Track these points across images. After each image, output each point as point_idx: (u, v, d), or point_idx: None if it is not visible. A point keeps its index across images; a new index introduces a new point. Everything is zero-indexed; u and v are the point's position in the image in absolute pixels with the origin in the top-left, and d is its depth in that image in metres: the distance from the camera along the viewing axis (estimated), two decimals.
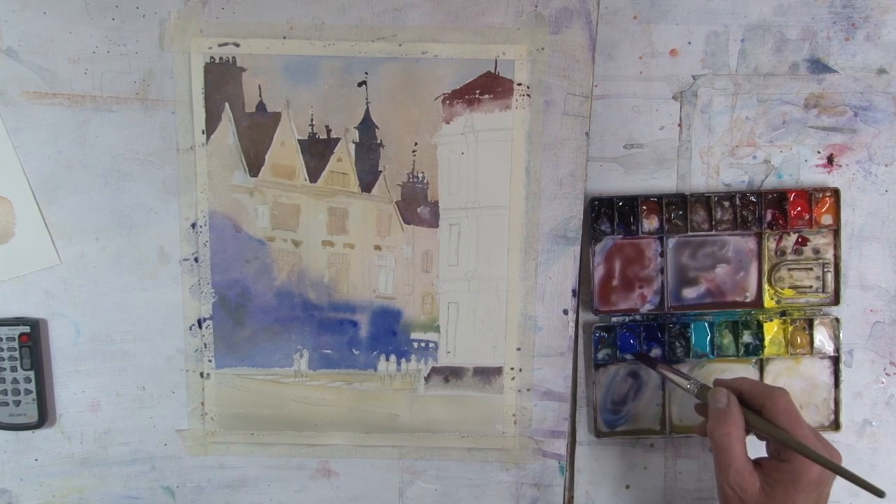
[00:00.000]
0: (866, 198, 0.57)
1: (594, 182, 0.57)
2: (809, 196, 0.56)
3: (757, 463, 0.49)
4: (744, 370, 0.58)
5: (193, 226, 0.56)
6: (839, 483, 0.59)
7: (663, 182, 0.57)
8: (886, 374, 0.59)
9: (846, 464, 0.59)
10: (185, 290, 0.57)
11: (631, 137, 0.56)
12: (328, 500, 0.60)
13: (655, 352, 0.58)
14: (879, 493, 0.47)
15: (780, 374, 0.58)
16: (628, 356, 0.58)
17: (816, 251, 0.57)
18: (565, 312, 0.58)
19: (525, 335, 0.58)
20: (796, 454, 0.47)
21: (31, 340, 0.56)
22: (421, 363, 0.58)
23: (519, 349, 0.58)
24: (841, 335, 0.57)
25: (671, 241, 0.57)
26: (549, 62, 0.55)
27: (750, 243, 0.57)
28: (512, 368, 0.58)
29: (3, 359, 0.56)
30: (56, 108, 0.55)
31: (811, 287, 0.57)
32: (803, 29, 0.55)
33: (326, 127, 0.56)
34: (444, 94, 0.55)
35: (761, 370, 0.58)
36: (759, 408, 0.49)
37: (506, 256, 0.57)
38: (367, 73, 0.55)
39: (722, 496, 0.49)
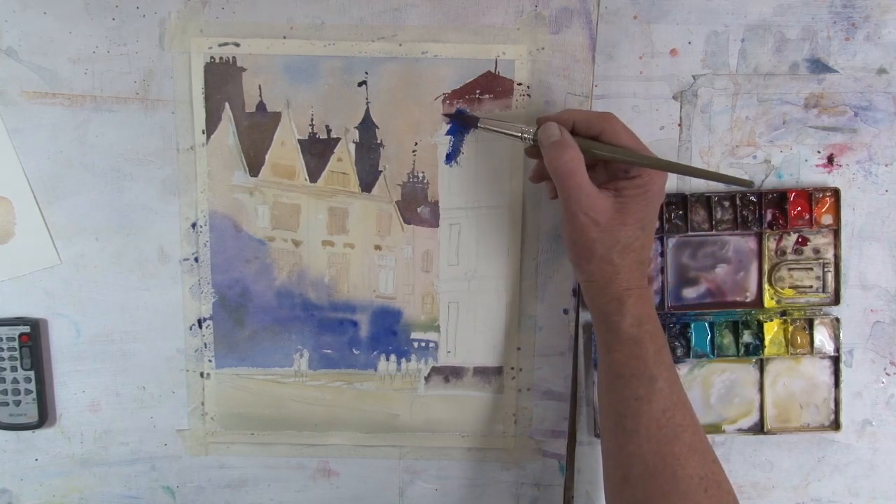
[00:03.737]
0: (866, 198, 0.57)
1: None
2: (809, 196, 0.56)
3: (601, 187, 0.48)
4: (744, 370, 0.58)
5: (193, 226, 0.56)
6: (839, 483, 0.59)
7: None
8: (886, 374, 0.59)
9: (846, 464, 0.59)
10: (185, 290, 0.57)
11: None
12: (328, 500, 0.60)
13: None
14: (748, 184, 0.50)
15: (780, 373, 0.58)
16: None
17: (816, 251, 0.57)
18: (565, 312, 0.58)
19: (525, 335, 0.58)
20: (643, 168, 0.48)
21: (31, 340, 0.56)
22: (421, 363, 0.58)
23: (519, 349, 0.58)
24: (841, 335, 0.57)
25: (671, 241, 0.57)
26: (549, 62, 0.55)
27: (750, 243, 0.57)
28: (512, 368, 0.58)
29: (3, 359, 0.56)
30: (56, 108, 0.55)
31: (811, 287, 0.57)
32: (803, 29, 0.55)
33: (326, 127, 0.56)
34: (444, 93, 0.55)
35: (761, 370, 0.58)
36: (596, 134, 0.48)
37: (506, 256, 0.57)
38: (367, 73, 0.55)
39: (573, 229, 0.48)
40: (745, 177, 0.57)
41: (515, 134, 0.51)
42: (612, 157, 0.48)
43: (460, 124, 0.55)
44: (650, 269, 0.57)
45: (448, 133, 0.56)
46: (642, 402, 0.47)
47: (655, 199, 0.49)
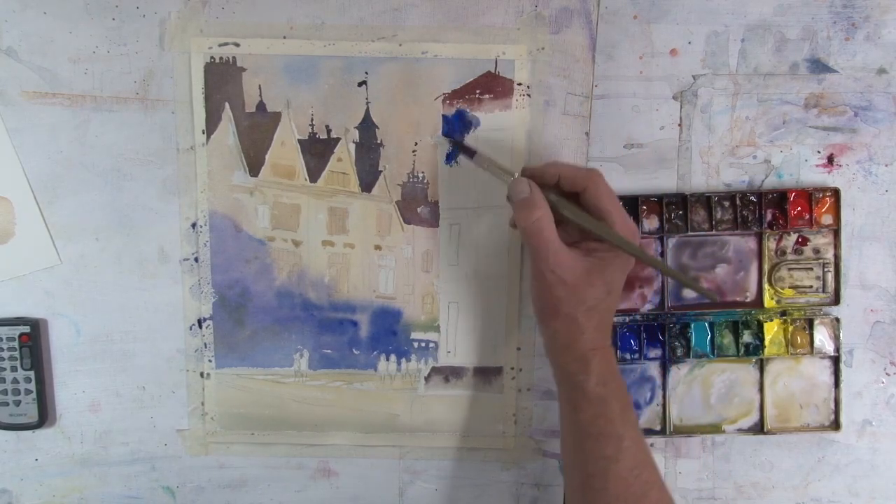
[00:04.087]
0: (866, 198, 0.57)
1: None
2: (809, 196, 0.56)
3: (572, 244, 0.48)
4: (744, 370, 0.58)
5: (193, 226, 0.56)
6: (839, 483, 0.59)
7: (663, 182, 0.57)
8: (886, 374, 0.59)
9: (846, 464, 0.59)
10: (185, 290, 0.57)
11: (631, 137, 0.56)
12: (328, 500, 0.60)
13: (655, 352, 0.58)
14: (712, 297, 0.51)
15: (780, 373, 0.58)
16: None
17: (816, 251, 0.57)
18: None
19: (525, 335, 0.58)
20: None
21: (31, 340, 0.56)
22: (421, 363, 0.58)
23: (519, 349, 0.58)
24: (841, 335, 0.57)
25: (671, 241, 0.57)
26: (549, 62, 0.55)
27: (750, 243, 0.57)
28: (512, 368, 0.58)
29: (3, 359, 0.56)
30: (56, 108, 0.55)
31: (811, 287, 0.57)
32: (803, 29, 0.55)
33: (326, 127, 0.56)
34: (444, 93, 0.55)
35: (761, 370, 0.58)
36: (581, 190, 0.48)
37: (506, 256, 0.57)
38: (367, 73, 0.55)
39: (540, 286, 0.48)
40: (745, 177, 0.57)
41: (503, 178, 0.50)
42: (575, 221, 0.48)
43: (458, 152, 0.55)
44: (647, 272, 0.57)
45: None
46: (610, 461, 0.46)
47: (625, 265, 0.48)
